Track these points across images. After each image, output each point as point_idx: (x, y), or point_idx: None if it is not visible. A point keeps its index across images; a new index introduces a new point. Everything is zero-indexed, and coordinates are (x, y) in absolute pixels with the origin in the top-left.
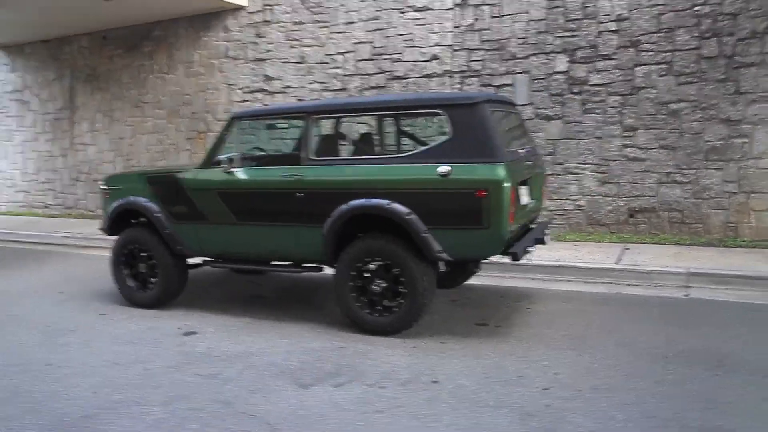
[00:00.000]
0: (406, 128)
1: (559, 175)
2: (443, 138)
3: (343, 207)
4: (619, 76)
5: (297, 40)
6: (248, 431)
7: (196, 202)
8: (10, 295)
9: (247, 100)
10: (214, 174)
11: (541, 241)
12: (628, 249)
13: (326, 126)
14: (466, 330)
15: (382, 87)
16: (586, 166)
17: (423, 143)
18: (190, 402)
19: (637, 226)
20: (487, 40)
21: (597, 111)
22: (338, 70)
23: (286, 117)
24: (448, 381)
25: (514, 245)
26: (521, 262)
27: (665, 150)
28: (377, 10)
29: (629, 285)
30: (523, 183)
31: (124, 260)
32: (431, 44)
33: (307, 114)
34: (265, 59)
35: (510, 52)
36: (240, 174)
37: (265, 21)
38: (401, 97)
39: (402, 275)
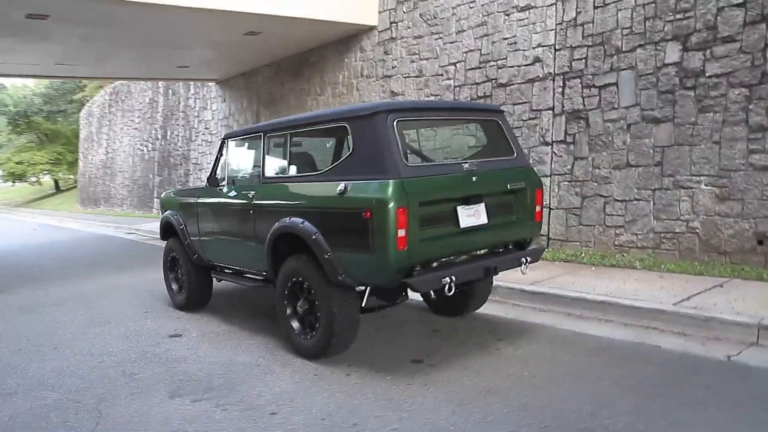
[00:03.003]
0: (322, 145)
1: (668, 189)
2: (347, 153)
3: (275, 225)
4: (744, 62)
5: (416, 54)
6: (78, 427)
7: (200, 217)
8: (111, 288)
9: None
10: (210, 192)
11: (491, 272)
12: (721, 286)
13: (275, 146)
14: (392, 365)
15: (488, 96)
16: (701, 178)
17: (336, 160)
18: (83, 395)
19: None
20: (590, 35)
21: (716, 109)
22: (450, 81)
23: (252, 137)
24: (283, 416)
25: (434, 272)
26: (564, 293)
27: None
28: (484, 15)
29: (675, 334)
30: (466, 201)
31: (169, 266)
32: (534, 45)
33: (262, 133)
34: (390, 75)
35: (614, 46)
36: (223, 192)
37: (391, 38)
38: (313, 114)
39: (316, 298)
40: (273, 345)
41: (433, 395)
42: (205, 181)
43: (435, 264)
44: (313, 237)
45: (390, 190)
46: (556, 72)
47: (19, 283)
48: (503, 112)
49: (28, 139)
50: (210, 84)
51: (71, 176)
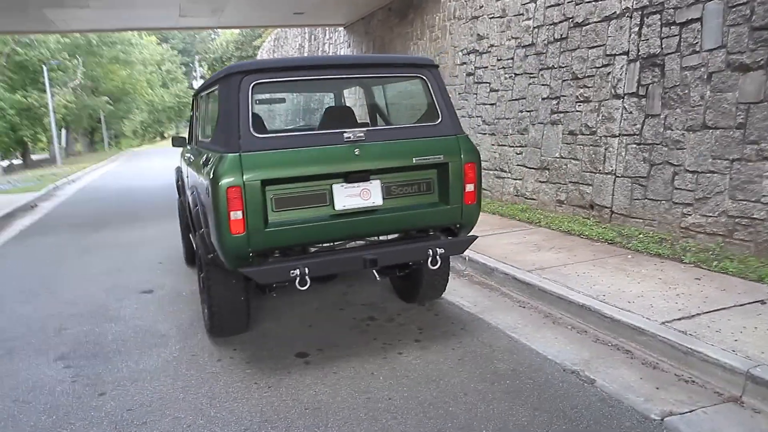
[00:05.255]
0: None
1: (750, 161)
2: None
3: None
4: None
5: None
6: None
7: (183, 176)
8: (167, 235)
9: (464, 63)
10: (185, 151)
11: (367, 264)
12: (762, 303)
13: (202, 107)
14: (273, 356)
15: (564, 38)
16: None
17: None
18: (4, 345)
19: None
20: None
21: None
22: (529, 22)
23: (197, 97)
24: (105, 398)
25: (282, 263)
26: (552, 288)
27: None
28: None
29: (642, 365)
30: (346, 179)
31: (179, 220)
32: None
33: (198, 93)
34: (477, 16)
35: None
36: (187, 151)
37: None
38: (212, 75)
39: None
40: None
41: (258, 401)
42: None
43: (314, 249)
44: (194, 209)
45: (223, 166)
46: (634, 6)
47: (115, 223)
48: (435, 66)
49: None
50: (339, 29)
51: None
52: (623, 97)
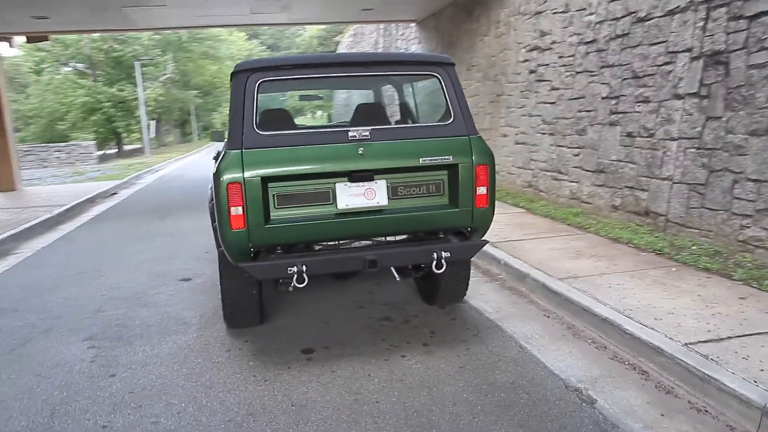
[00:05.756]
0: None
1: None
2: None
3: None
4: None
5: None
6: None
7: None
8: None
9: (527, 60)
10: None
11: (367, 265)
12: None
13: None
14: (280, 349)
15: (626, 34)
16: None
17: None
18: (46, 323)
19: None
20: None
21: None
22: (591, 17)
23: None
24: (114, 381)
25: (280, 260)
26: (578, 299)
27: None
28: None
29: (656, 388)
30: (350, 178)
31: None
32: None
33: None
34: (541, 12)
35: None
36: None
37: None
38: None
39: None
40: None
41: (250, 394)
42: None
43: (318, 247)
44: (210, 203)
45: (225, 162)
46: (699, 0)
47: (178, 211)
48: (451, 64)
49: None
50: (411, 24)
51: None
52: (684, 98)
